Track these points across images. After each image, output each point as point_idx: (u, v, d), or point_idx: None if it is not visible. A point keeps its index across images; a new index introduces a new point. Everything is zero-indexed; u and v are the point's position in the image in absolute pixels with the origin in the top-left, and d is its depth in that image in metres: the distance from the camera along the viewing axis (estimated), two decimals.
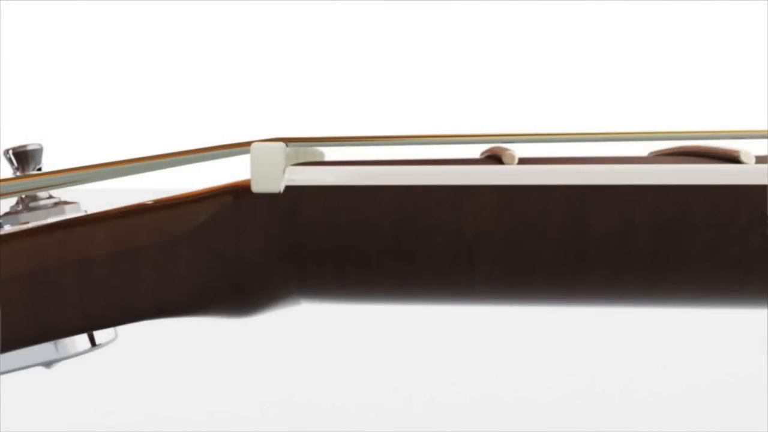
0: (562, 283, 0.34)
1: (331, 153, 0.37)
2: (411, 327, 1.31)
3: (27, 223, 0.37)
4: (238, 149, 0.35)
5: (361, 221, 0.34)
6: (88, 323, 0.35)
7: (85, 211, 0.38)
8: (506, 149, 0.35)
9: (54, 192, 0.38)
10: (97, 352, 0.39)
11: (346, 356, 1.15)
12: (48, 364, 0.38)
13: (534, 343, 1.22)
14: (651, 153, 0.39)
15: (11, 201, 0.38)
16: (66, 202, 0.38)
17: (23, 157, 0.38)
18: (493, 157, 0.35)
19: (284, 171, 0.34)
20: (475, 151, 0.38)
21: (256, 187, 0.34)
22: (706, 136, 0.34)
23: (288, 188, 0.34)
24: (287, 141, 0.34)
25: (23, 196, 0.38)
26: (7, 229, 0.36)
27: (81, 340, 0.37)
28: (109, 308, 0.35)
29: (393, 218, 0.33)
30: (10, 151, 0.38)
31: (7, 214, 0.38)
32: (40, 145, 0.38)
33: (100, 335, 0.38)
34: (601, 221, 0.33)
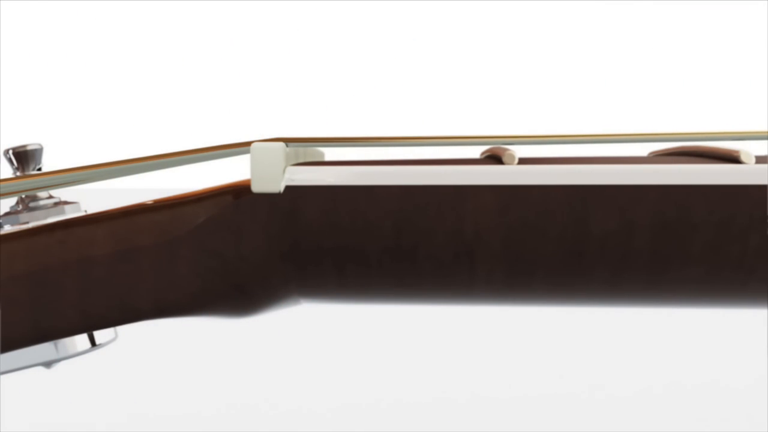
0: (562, 283, 0.34)
1: (331, 153, 0.37)
2: (411, 327, 1.31)
3: (27, 223, 0.37)
4: (238, 149, 0.35)
5: (361, 221, 0.34)
6: (88, 323, 0.35)
7: (85, 211, 0.38)
8: (506, 149, 0.35)
9: (54, 192, 0.38)
10: (97, 352, 0.39)
11: (345, 356, 1.15)
12: (48, 364, 0.38)
13: (534, 344, 1.22)
14: (651, 153, 0.39)
15: (11, 201, 0.38)
16: (66, 202, 0.38)
17: (23, 157, 0.38)
18: (493, 157, 0.35)
19: (284, 171, 0.34)
20: (476, 151, 0.38)
21: (256, 187, 0.34)
22: (707, 138, 0.34)
23: (288, 188, 0.34)
24: (287, 141, 0.34)
25: (23, 196, 0.38)
26: (7, 229, 0.36)
27: (81, 340, 0.37)
28: (109, 308, 0.35)
29: (393, 218, 0.33)
30: (10, 151, 0.38)
31: (7, 214, 0.38)
32: (40, 145, 0.38)
33: (100, 335, 0.38)
34: (601, 221, 0.33)
